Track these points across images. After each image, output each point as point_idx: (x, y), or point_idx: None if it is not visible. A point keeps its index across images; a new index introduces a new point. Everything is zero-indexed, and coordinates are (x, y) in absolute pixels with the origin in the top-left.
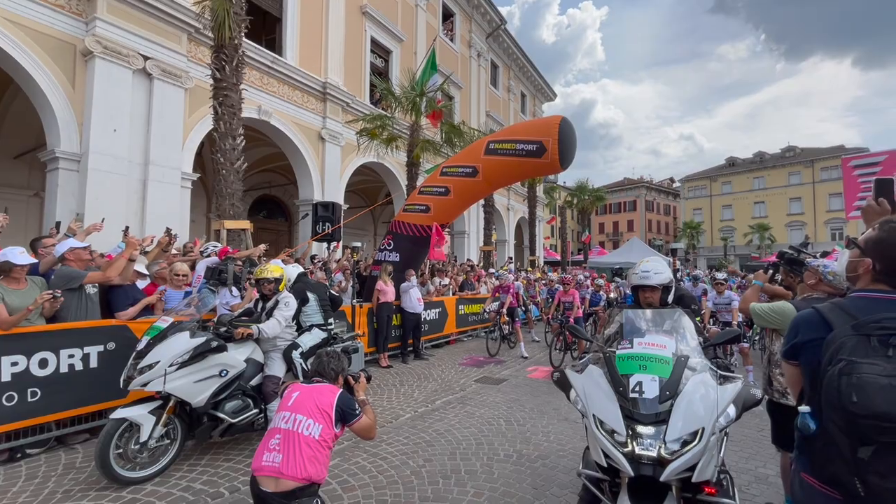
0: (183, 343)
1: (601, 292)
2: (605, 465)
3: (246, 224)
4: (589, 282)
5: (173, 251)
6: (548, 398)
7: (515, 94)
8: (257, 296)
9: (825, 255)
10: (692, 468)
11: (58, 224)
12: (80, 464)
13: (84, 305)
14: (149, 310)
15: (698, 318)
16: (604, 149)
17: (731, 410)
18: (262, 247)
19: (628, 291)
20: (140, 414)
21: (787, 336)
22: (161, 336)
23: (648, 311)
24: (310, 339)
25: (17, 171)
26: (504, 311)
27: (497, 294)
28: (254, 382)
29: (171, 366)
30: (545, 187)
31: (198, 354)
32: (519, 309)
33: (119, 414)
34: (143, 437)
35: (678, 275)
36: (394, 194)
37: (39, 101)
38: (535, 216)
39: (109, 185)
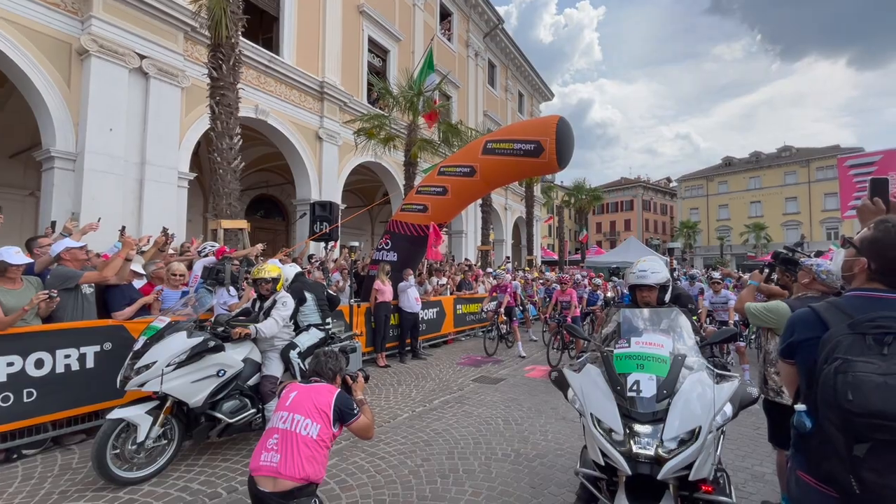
0: (180, 343)
1: (598, 292)
2: (602, 463)
3: (243, 224)
4: (586, 281)
5: (170, 251)
6: (545, 397)
7: (513, 94)
8: (255, 295)
9: (819, 254)
10: (689, 466)
11: (53, 223)
12: (76, 464)
13: (80, 305)
14: (145, 310)
15: (695, 318)
16: (601, 148)
17: (728, 409)
18: (260, 246)
19: (625, 291)
20: (137, 414)
21: (784, 335)
22: (158, 336)
23: (646, 311)
24: (307, 338)
25: (13, 171)
26: (502, 310)
27: (495, 293)
28: (251, 382)
29: (168, 366)
30: (543, 187)
31: (195, 354)
32: (516, 308)
33: (116, 414)
34: (140, 438)
35: (675, 274)
36: (391, 194)
37: (35, 100)
38: (532, 216)
39: (105, 184)
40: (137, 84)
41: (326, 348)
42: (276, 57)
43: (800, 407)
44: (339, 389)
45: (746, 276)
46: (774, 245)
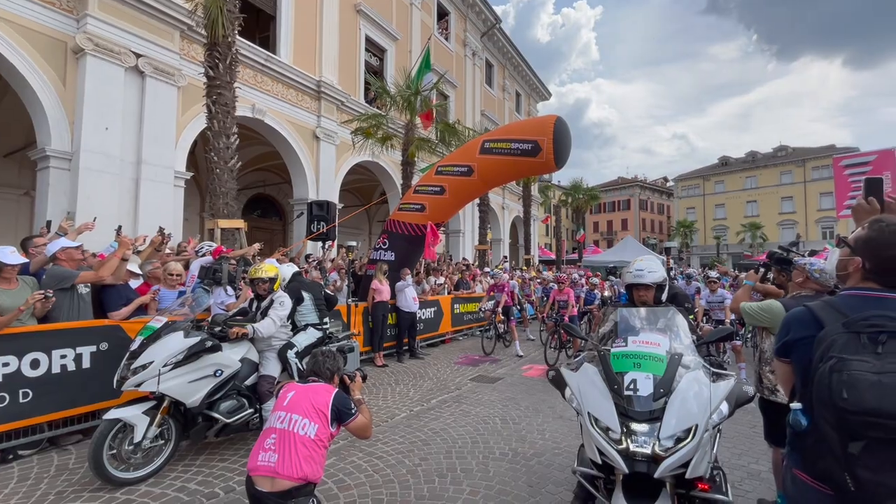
0: (177, 343)
1: (596, 291)
2: (599, 462)
3: (240, 223)
4: (584, 280)
5: (167, 250)
6: (543, 396)
7: (510, 94)
8: (252, 295)
9: (813, 253)
10: (686, 465)
11: (48, 223)
12: (73, 465)
13: (76, 305)
14: (142, 310)
15: (691, 317)
16: (598, 148)
17: (724, 407)
18: (257, 246)
19: (622, 290)
20: (134, 414)
21: (779, 334)
22: (155, 336)
23: (643, 310)
24: (305, 338)
25: (7, 170)
26: (499, 309)
27: (492, 293)
28: (249, 382)
29: (165, 366)
30: (540, 186)
31: (192, 354)
32: (514, 308)
33: (113, 414)
34: (137, 438)
35: (671, 273)
36: (389, 193)
37: (29, 99)
38: (529, 215)
39: (101, 183)
40: (133, 83)
41: (324, 348)
42: (273, 56)
43: (795, 405)
44: (336, 389)
45: (743, 276)
46: (770, 244)
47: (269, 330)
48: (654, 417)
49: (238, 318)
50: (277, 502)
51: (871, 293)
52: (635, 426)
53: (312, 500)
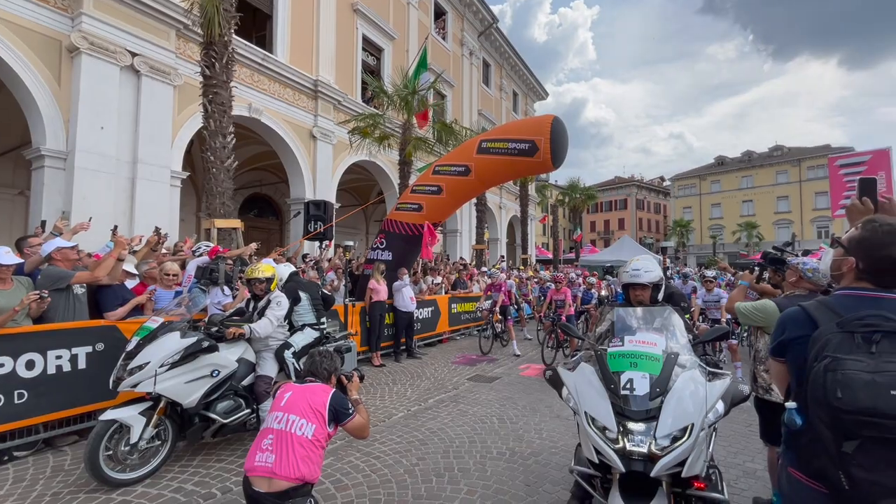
0: (173, 343)
1: (593, 290)
2: (596, 461)
3: (237, 223)
4: (581, 280)
5: (163, 250)
6: (540, 396)
7: (507, 93)
8: (249, 295)
9: (807, 253)
10: (682, 463)
11: (43, 223)
12: (68, 466)
13: (72, 306)
14: (138, 310)
15: (688, 316)
16: (595, 147)
17: (720, 406)
18: (254, 246)
19: (619, 289)
20: (130, 415)
21: (774, 333)
22: (151, 336)
23: (639, 309)
24: (302, 338)
25: (2, 169)
26: (496, 309)
27: (489, 292)
28: (246, 382)
29: (161, 366)
30: (537, 186)
31: (189, 355)
32: (511, 307)
33: (109, 415)
34: (134, 439)
35: (668, 273)
36: (386, 193)
37: (24, 98)
38: (527, 215)
39: (97, 183)
40: (129, 82)
41: (321, 348)
42: (270, 55)
43: (790, 404)
44: (334, 389)
45: (739, 275)
46: (766, 244)
47: (265, 330)
48: (651, 417)
49: (235, 318)
50: (275, 503)
51: (865, 293)
52: (632, 425)
53: (310, 501)
